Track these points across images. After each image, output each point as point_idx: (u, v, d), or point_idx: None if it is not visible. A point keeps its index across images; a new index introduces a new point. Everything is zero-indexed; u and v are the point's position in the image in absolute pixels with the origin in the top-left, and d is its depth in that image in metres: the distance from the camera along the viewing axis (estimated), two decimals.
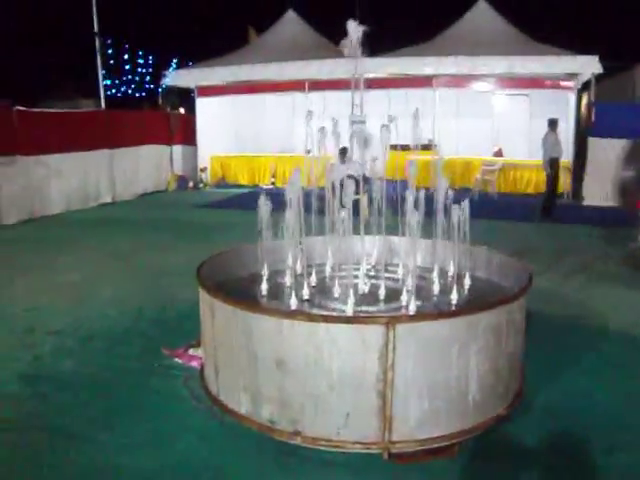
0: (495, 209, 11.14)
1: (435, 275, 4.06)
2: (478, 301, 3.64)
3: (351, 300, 3.37)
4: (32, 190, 10.72)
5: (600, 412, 3.69)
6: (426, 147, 14.43)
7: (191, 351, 4.39)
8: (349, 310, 3.34)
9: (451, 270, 4.17)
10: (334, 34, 16.70)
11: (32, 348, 4.67)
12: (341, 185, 10.47)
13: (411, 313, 3.34)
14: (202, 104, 15.36)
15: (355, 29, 4.34)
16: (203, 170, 15.54)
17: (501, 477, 3.10)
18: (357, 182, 10.74)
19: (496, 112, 14.67)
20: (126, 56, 28.43)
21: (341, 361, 3.00)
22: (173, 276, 6.55)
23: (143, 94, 28.48)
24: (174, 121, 15.20)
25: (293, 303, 3.53)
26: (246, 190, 14.41)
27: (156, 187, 14.70)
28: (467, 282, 3.97)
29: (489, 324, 3.14)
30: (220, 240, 7.82)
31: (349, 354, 2.98)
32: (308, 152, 13.88)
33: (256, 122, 16.19)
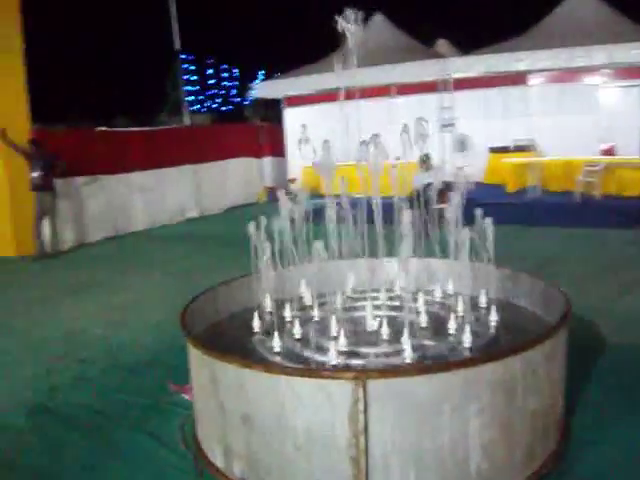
0: (595, 213, 10.03)
1: (460, 306, 3.46)
2: (495, 345, 3.02)
3: (335, 344, 2.88)
4: (115, 208, 10.96)
5: None
6: (524, 148, 13.46)
7: None
8: (332, 356, 2.85)
9: (482, 300, 3.56)
10: (425, 35, 16.09)
11: (52, 377, 4.56)
12: (422, 193, 9.84)
13: (386, 366, 2.79)
14: (290, 114, 15.17)
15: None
16: (292, 181, 15.34)
17: None
18: (440, 191, 10.07)
19: (603, 107, 13.33)
20: (210, 71, 29.11)
21: (307, 420, 2.53)
22: None
23: (229, 108, 29.08)
24: (262, 133, 15.13)
25: (276, 345, 3.08)
26: (340, 200, 14.03)
27: (246, 200, 14.68)
28: (494, 316, 3.34)
29: (495, 379, 2.53)
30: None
31: (315, 413, 2.51)
32: (397, 159, 13.08)
33: (343, 130, 15.78)
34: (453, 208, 8.95)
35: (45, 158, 8.92)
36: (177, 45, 13.65)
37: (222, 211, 13.50)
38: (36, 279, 8.02)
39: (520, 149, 13.37)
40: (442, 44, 16.44)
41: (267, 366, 2.59)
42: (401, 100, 14.43)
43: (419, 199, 9.71)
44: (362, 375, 2.41)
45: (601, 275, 6.60)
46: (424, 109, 14.44)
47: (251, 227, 3.44)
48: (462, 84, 13.19)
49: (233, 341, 3.34)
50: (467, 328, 2.99)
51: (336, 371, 2.61)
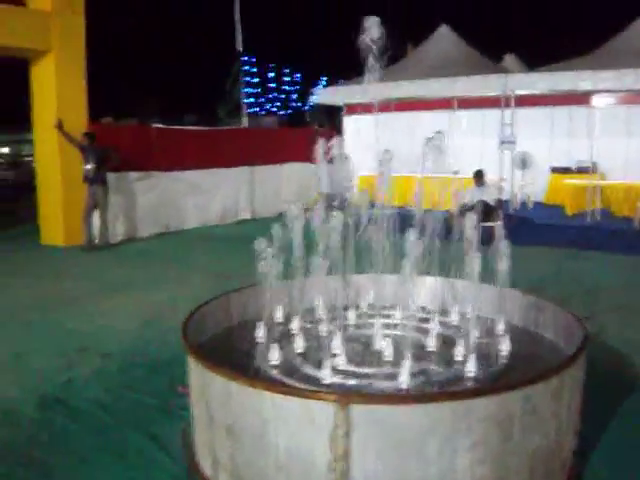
0: None
1: (474, 332, 3.30)
2: (502, 377, 2.86)
3: (331, 362, 2.78)
4: (168, 205, 11.13)
5: None
6: (586, 170, 12.96)
7: None
8: (326, 375, 2.75)
9: (499, 327, 3.39)
10: (492, 50, 15.74)
11: (72, 370, 4.62)
12: (473, 209, 9.63)
13: (374, 391, 2.66)
14: (349, 122, 15.12)
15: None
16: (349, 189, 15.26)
17: None
18: (491, 208, 9.82)
19: None
20: (271, 74, 29.27)
21: (288, 439, 2.44)
22: None
23: (288, 112, 29.20)
24: (320, 139, 15.07)
25: (274, 357, 3.01)
26: (392, 211, 13.91)
27: (301, 204, 14.64)
28: (508, 345, 3.17)
29: (488, 414, 2.38)
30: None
31: (297, 433, 2.42)
32: (455, 173, 12.90)
33: (405, 141, 15.63)
34: (499, 227, 8.69)
35: (98, 152, 9.15)
36: (239, 46, 13.80)
37: (276, 215, 13.54)
38: (79, 270, 8.21)
39: (582, 170, 12.90)
40: (509, 59, 16.08)
41: (252, 381, 2.51)
42: (463, 114, 14.18)
43: (478, 213, 9.46)
44: (344, 399, 2.30)
45: None
46: (486, 124, 14.20)
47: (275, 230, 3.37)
48: (527, 101, 12.86)
49: (237, 350, 3.29)
50: (473, 357, 2.84)
51: (318, 392, 2.50)
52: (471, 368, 2.83)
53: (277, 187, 13.73)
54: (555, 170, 13.99)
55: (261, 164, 13.05)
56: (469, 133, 14.46)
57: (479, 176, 9.54)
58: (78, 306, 6.37)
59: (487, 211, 9.13)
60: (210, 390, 2.74)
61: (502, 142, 12.24)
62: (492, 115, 13.10)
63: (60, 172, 9.49)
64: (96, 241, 9.45)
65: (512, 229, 10.32)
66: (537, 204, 13.75)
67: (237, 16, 13.58)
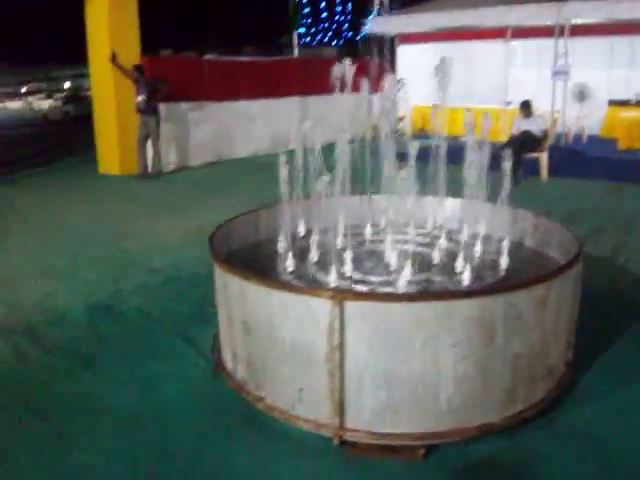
0: None
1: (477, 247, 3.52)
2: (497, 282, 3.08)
3: (340, 269, 3.07)
4: (220, 134, 11.45)
5: None
6: None
7: None
8: (332, 279, 3.05)
9: (504, 244, 3.59)
10: None
11: (120, 282, 5.08)
12: (514, 140, 9.61)
13: (364, 290, 2.95)
14: (403, 52, 14.95)
15: None
16: (401, 119, 15.21)
17: None
18: (537, 140, 9.76)
19: None
20: (323, 4, 28.67)
21: (292, 331, 2.76)
22: None
23: (340, 42, 28.69)
24: (373, 69, 15.00)
25: (290, 265, 3.33)
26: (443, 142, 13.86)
27: (351, 134, 14.76)
28: (507, 260, 3.39)
29: (470, 316, 2.62)
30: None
31: (299, 326, 2.74)
32: (508, 104, 12.84)
33: (459, 71, 15.36)
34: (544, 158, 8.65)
35: (149, 83, 9.49)
36: None
37: (326, 144, 13.69)
38: (131, 196, 8.71)
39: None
40: None
41: (261, 280, 2.82)
42: (517, 44, 13.81)
43: (515, 145, 9.48)
44: (339, 295, 2.59)
45: None
46: (542, 55, 13.77)
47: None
48: (586, 30, 12.38)
49: (260, 259, 3.61)
50: (468, 267, 3.07)
51: (316, 289, 2.80)
52: (466, 278, 3.06)
53: (329, 117, 13.80)
54: (613, 103, 13.54)
55: (312, 94, 13.13)
56: (524, 63, 14.10)
57: (525, 107, 9.43)
58: (129, 227, 6.87)
59: (532, 142, 9.08)
60: (228, 291, 3.08)
61: (555, 73, 11.93)
62: (548, 45, 12.71)
63: (115, 104, 9.91)
64: (149, 170, 9.90)
65: (561, 160, 10.28)
66: (593, 137, 13.42)
67: None
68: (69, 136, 16.25)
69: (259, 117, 12.21)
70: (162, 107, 10.05)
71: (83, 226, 7.00)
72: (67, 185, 9.57)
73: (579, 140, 13.21)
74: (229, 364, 3.29)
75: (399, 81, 14.66)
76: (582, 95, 14.03)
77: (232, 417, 3.10)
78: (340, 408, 2.72)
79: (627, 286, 4.89)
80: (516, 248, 3.78)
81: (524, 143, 9.06)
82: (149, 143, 9.82)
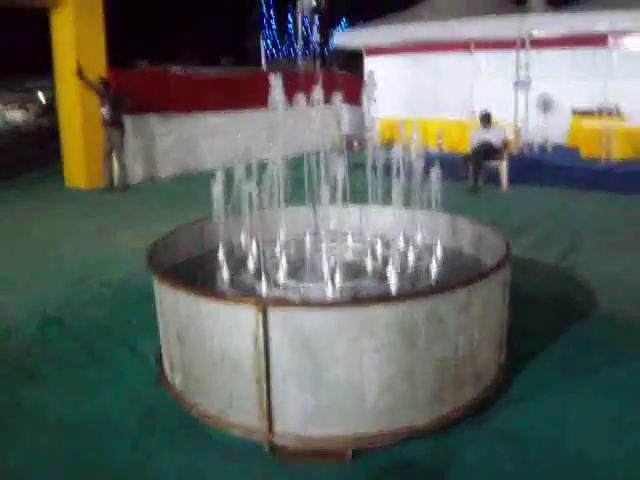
0: None
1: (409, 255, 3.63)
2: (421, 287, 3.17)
3: (270, 277, 3.14)
4: (186, 146, 11.49)
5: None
6: (609, 112, 12.71)
7: None
8: (263, 287, 3.13)
9: (438, 250, 3.69)
10: None
11: (73, 294, 5.10)
12: (474, 150, 9.80)
13: (286, 297, 3.04)
14: (369, 64, 15.11)
15: None
16: (368, 130, 15.37)
17: None
18: (496, 150, 9.98)
19: None
20: (289, 18, 28.95)
21: (220, 339, 2.83)
22: None
23: (307, 55, 28.99)
24: (340, 81, 15.17)
25: (225, 275, 3.41)
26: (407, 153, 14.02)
27: (321, 146, 14.89)
28: (436, 265, 3.49)
29: (391, 321, 2.70)
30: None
31: (226, 333, 2.80)
32: (474, 114, 13.00)
33: (424, 83, 15.56)
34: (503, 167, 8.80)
35: (113, 96, 9.52)
36: None
37: (295, 155, 13.81)
38: (94, 209, 8.72)
39: (605, 113, 12.72)
40: (536, 0, 15.67)
41: (190, 289, 2.89)
42: (482, 55, 14.02)
43: (475, 155, 9.65)
44: (261, 302, 2.66)
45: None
46: (506, 66, 14.01)
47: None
48: (549, 42, 12.63)
49: (200, 271, 3.67)
50: (393, 273, 3.17)
51: (240, 297, 2.87)
52: (394, 284, 3.15)
53: (297, 129, 13.92)
54: (576, 112, 13.81)
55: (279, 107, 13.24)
56: (489, 75, 14.33)
57: (485, 118, 9.62)
58: (89, 240, 6.89)
59: (491, 152, 9.26)
60: (163, 301, 3.13)
61: (516, 84, 12.17)
62: (511, 57, 12.96)
63: (81, 117, 9.91)
64: (115, 183, 9.91)
65: (523, 169, 10.47)
66: (558, 146, 13.67)
67: None
68: (41, 148, 16.16)
69: (226, 129, 12.23)
70: (128, 120, 10.08)
71: (41, 239, 7.00)
72: (31, 198, 9.53)
73: (543, 149, 13.45)
74: (168, 373, 3.34)
75: (369, 96, 14.88)
76: (546, 105, 14.30)
77: (169, 425, 3.16)
78: (268, 413, 2.78)
79: (570, 291, 5.01)
80: (452, 254, 3.89)
81: (484, 153, 9.24)
82: (114, 156, 9.83)
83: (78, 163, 10.11)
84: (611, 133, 11.59)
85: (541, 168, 11.34)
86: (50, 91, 30.66)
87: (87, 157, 9.99)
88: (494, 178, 9.35)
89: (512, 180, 9.41)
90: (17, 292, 5.21)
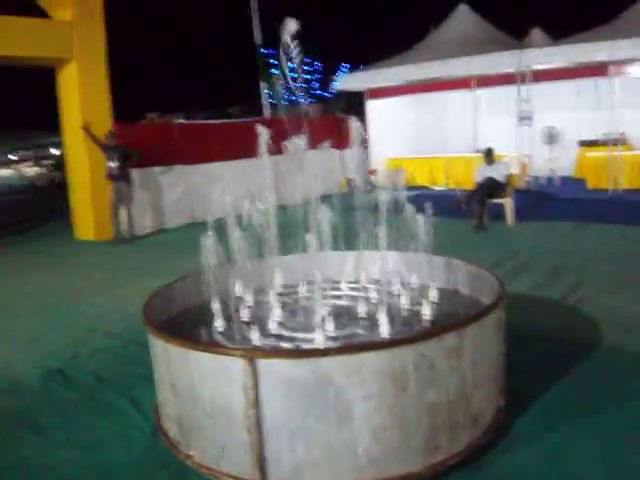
0: None
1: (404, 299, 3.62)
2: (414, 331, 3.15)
3: (262, 327, 3.16)
4: (193, 197, 11.64)
5: None
6: (615, 142, 12.73)
7: None
8: (255, 337, 3.14)
9: (432, 293, 3.69)
10: (516, 25, 15.62)
11: (78, 348, 5.13)
12: (481, 187, 9.80)
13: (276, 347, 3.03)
14: (372, 106, 15.36)
15: None
16: (373, 172, 15.51)
17: None
18: (500, 186, 9.98)
19: None
20: (291, 65, 29.39)
21: (211, 390, 2.84)
22: None
23: (311, 101, 29.46)
24: (344, 125, 15.34)
25: (219, 325, 3.42)
26: (416, 192, 14.11)
27: (328, 190, 15.02)
28: (429, 310, 3.48)
29: (380, 368, 2.70)
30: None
31: (216, 384, 2.81)
32: (478, 151, 13.13)
33: (427, 122, 15.75)
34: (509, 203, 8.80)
35: (120, 149, 9.73)
36: (258, 40, 14.17)
37: (302, 201, 13.91)
38: (103, 261, 8.83)
39: (611, 142, 12.77)
40: (536, 33, 15.91)
41: (180, 342, 2.91)
42: (483, 92, 14.20)
43: (480, 192, 9.65)
44: (249, 354, 2.67)
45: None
46: (508, 101, 14.17)
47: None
48: (550, 74, 12.78)
49: (194, 323, 3.70)
50: (384, 320, 3.17)
51: (229, 349, 2.89)
52: (386, 331, 3.15)
53: (303, 174, 14.06)
54: (583, 143, 13.87)
55: (284, 153, 13.41)
56: (491, 111, 14.48)
57: (488, 154, 9.67)
58: (95, 293, 6.95)
59: (495, 188, 9.27)
60: (157, 353, 3.16)
61: (520, 118, 12.29)
62: (513, 91, 13.10)
63: (88, 171, 10.15)
64: (124, 235, 10.04)
65: (529, 204, 10.48)
66: (566, 178, 13.71)
67: (254, 8, 13.94)
68: (54, 202, 16.46)
69: (231, 178, 12.41)
70: (135, 172, 10.30)
71: (50, 293, 7.09)
72: (41, 252, 9.69)
73: (551, 182, 13.47)
74: (164, 424, 3.35)
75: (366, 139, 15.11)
76: (551, 138, 14.40)
77: (165, 476, 3.14)
78: (260, 464, 2.76)
79: (575, 326, 4.96)
80: (449, 296, 3.89)
81: (489, 189, 9.25)
82: (122, 208, 9.98)
83: (87, 216, 10.29)
84: (617, 162, 11.59)
85: (547, 201, 11.36)
86: (61, 147, 31.55)
87: (95, 210, 10.18)
88: (500, 214, 9.36)
89: (518, 215, 9.41)
90: (22, 345, 5.28)
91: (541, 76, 12.69)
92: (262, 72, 15.34)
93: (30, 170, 27.26)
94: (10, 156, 33.52)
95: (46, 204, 16.37)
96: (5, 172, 30.75)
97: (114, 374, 4.52)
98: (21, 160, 31.86)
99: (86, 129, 9.68)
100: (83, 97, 10.03)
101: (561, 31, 15.68)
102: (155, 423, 3.55)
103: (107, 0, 10.46)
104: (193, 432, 3.01)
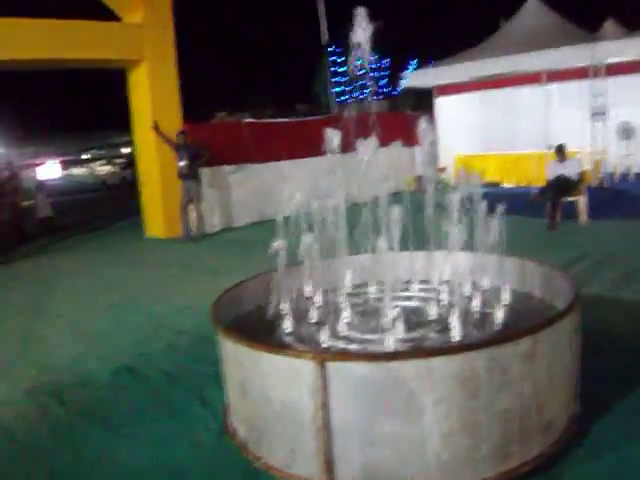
0: None
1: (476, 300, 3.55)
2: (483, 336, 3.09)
3: (331, 329, 3.17)
4: (262, 195, 11.74)
5: None
6: None
7: None
8: (324, 339, 3.15)
9: (504, 296, 3.60)
10: (589, 17, 15.09)
11: (148, 345, 5.28)
12: (552, 185, 9.52)
13: (347, 350, 3.02)
14: (441, 103, 15.15)
15: None
16: (442, 170, 15.30)
17: None
18: (572, 183, 9.68)
19: None
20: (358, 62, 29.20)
21: (281, 392, 2.86)
22: None
23: (379, 98, 29.23)
24: (413, 122, 15.19)
25: (288, 326, 3.45)
26: (486, 189, 13.82)
27: (397, 188, 14.91)
28: (502, 313, 3.40)
29: (451, 373, 2.66)
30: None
31: (287, 386, 2.83)
32: (550, 147, 12.87)
33: (499, 118, 15.40)
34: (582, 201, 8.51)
35: (190, 149, 9.94)
36: (324, 40, 14.21)
37: (371, 199, 13.87)
38: (172, 259, 9.06)
39: None
40: (609, 25, 15.33)
41: (252, 342, 2.94)
42: (555, 87, 13.77)
43: (551, 190, 9.37)
44: (319, 356, 2.68)
45: None
46: (581, 96, 13.72)
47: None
48: (626, 68, 12.30)
49: (266, 321, 3.73)
50: (458, 323, 3.11)
51: (299, 351, 2.89)
52: (458, 334, 3.09)
53: (372, 172, 13.99)
54: None
55: (352, 150, 13.39)
56: (563, 106, 14.03)
57: (560, 151, 9.37)
58: (165, 290, 7.14)
59: (567, 186, 8.99)
60: (227, 354, 3.20)
61: (593, 114, 11.86)
62: (586, 86, 12.67)
63: (159, 170, 10.41)
64: (193, 233, 10.26)
65: (603, 202, 10.11)
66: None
67: (322, 9, 13.99)
68: (125, 200, 17.00)
69: (300, 176, 12.45)
70: (205, 171, 10.51)
71: (120, 290, 7.32)
72: (112, 249, 10.03)
73: (625, 179, 12.98)
74: (233, 424, 3.40)
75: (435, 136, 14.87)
76: (627, 133, 13.85)
77: (234, 476, 3.18)
78: (329, 466, 2.77)
79: None
80: (522, 299, 3.79)
81: (561, 187, 8.97)
82: (191, 207, 10.20)
83: (157, 214, 10.57)
84: None
85: (622, 199, 10.93)
86: (132, 146, 32.57)
87: (165, 208, 10.44)
88: (572, 212, 9.07)
89: (592, 213, 9.09)
90: (95, 343, 5.46)
91: (615, 69, 12.21)
92: (329, 70, 15.36)
93: (102, 169, 28.24)
94: (83, 155, 34.84)
95: (117, 202, 16.92)
96: (78, 171, 32.01)
97: (184, 372, 4.61)
98: (93, 159, 33.07)
99: (156, 128, 9.93)
100: (153, 97, 10.31)
101: (636, 22, 15.08)
102: (223, 423, 3.61)
103: (176, 1, 10.70)
104: (263, 433, 3.03)
